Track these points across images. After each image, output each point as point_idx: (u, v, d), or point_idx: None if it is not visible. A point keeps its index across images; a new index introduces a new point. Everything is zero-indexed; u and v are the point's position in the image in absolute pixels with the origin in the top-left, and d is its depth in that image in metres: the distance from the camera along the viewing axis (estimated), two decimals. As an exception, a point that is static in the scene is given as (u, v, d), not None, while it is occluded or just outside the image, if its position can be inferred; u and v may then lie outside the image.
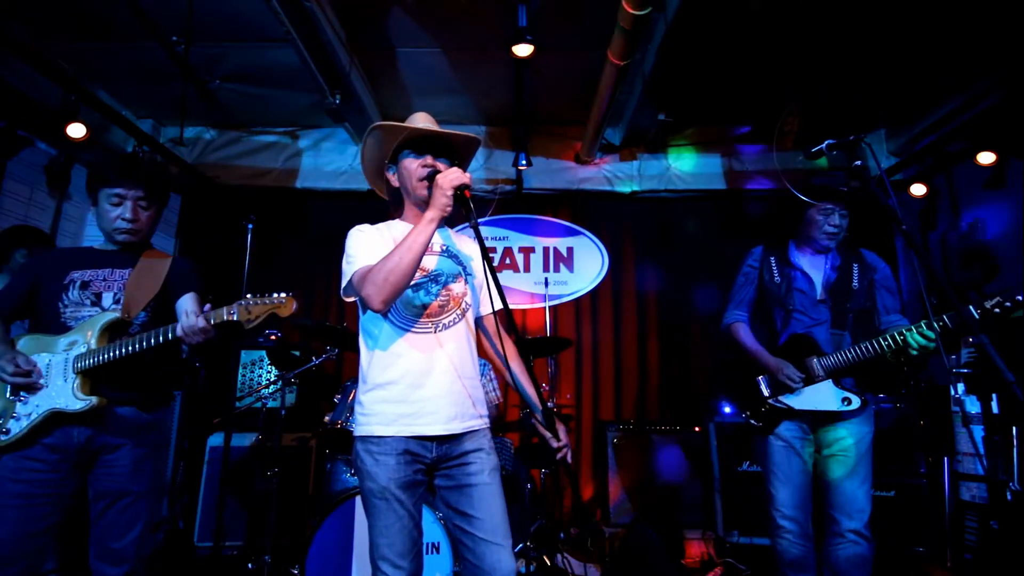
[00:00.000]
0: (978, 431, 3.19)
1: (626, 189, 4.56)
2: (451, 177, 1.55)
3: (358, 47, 3.50)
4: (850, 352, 2.14)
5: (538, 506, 3.30)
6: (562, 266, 4.66)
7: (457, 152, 1.76)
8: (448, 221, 1.68)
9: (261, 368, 3.91)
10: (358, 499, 2.44)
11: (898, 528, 3.37)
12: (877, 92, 3.85)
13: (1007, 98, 3.26)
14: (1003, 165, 3.51)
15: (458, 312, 1.71)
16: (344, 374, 4.39)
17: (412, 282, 1.61)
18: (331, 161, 4.52)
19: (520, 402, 3.58)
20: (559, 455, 1.62)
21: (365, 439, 1.60)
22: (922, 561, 3.32)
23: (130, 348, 1.76)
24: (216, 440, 3.57)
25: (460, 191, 1.56)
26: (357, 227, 1.74)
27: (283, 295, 1.69)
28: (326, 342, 3.09)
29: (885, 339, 2.07)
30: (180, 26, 3.20)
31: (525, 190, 4.55)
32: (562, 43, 3.36)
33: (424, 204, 1.69)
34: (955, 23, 3.10)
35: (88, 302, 1.88)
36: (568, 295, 4.60)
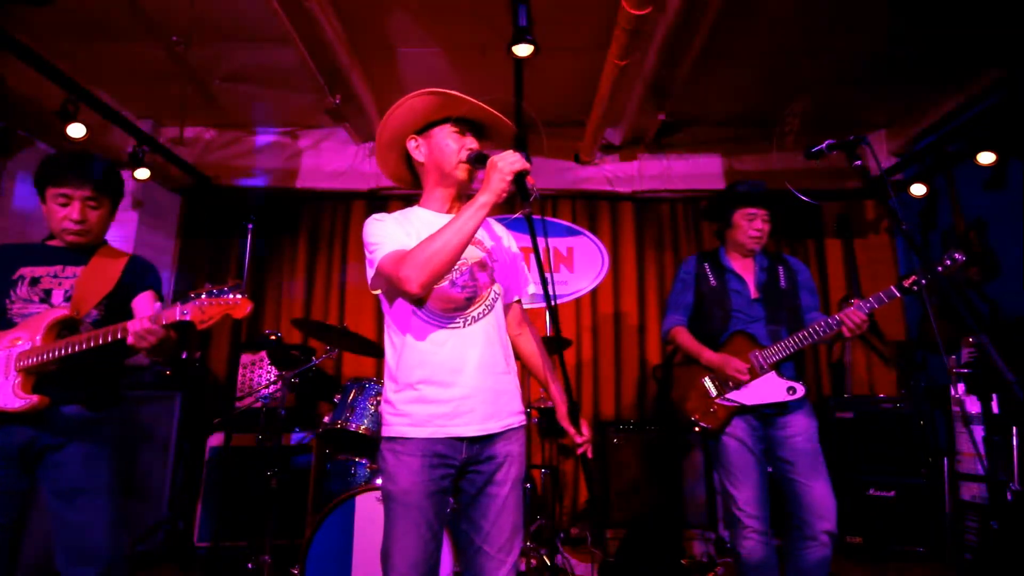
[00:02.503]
0: (978, 431, 3.19)
1: (626, 189, 4.56)
2: (511, 160, 1.42)
3: (358, 47, 3.50)
4: (789, 342, 2.25)
5: (538, 506, 3.30)
6: (562, 266, 4.66)
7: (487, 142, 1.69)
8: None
9: (261, 368, 3.91)
10: (358, 499, 2.44)
11: (898, 528, 3.38)
12: (877, 92, 3.85)
13: (1007, 98, 3.26)
14: (1003, 165, 3.51)
15: (487, 303, 1.60)
16: (344, 374, 4.40)
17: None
18: (331, 161, 4.52)
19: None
20: (580, 450, 1.55)
21: (392, 440, 1.51)
22: (922, 561, 3.32)
23: (77, 347, 1.68)
24: (216, 440, 3.57)
25: (521, 177, 1.44)
26: (373, 216, 1.61)
27: (238, 296, 1.56)
28: (326, 342, 3.09)
29: (819, 324, 2.21)
30: (180, 26, 3.20)
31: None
32: (562, 43, 3.36)
33: (456, 186, 1.64)
34: (955, 23, 3.10)
35: (37, 299, 1.80)
36: (568, 295, 4.60)
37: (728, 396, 2.29)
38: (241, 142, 4.49)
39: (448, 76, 3.78)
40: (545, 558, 3.05)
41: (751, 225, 2.41)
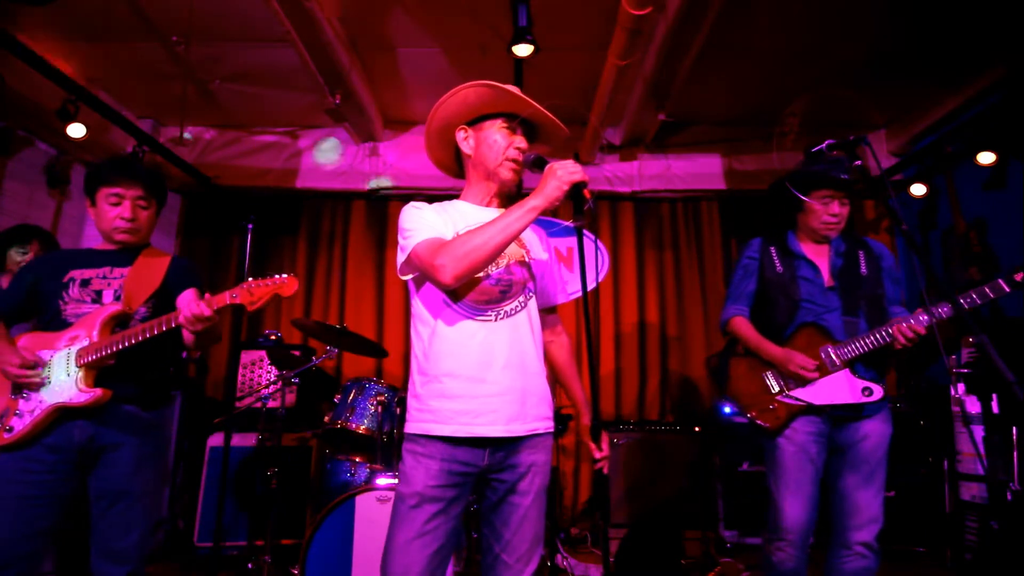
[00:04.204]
0: (978, 431, 3.20)
1: (626, 189, 4.56)
2: (571, 170, 1.42)
3: (358, 47, 3.50)
4: (870, 338, 1.97)
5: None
6: (562, 266, 4.66)
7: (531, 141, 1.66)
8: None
9: (261, 368, 3.91)
10: (358, 499, 2.44)
11: (898, 528, 3.38)
12: (877, 92, 3.85)
13: (1007, 98, 3.26)
14: (1003, 165, 3.51)
15: (521, 299, 1.56)
16: (344, 374, 4.40)
17: None
18: (331, 161, 4.52)
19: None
20: (597, 465, 1.50)
21: (414, 438, 1.47)
22: (922, 561, 3.32)
23: (133, 340, 1.75)
24: (216, 440, 3.57)
25: (579, 189, 1.42)
26: (411, 204, 1.58)
27: (284, 276, 1.68)
28: (326, 342, 3.09)
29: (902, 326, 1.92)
30: (180, 26, 3.20)
31: (525, 190, 4.53)
32: (562, 43, 3.36)
33: (499, 184, 1.62)
34: (955, 22, 3.10)
35: (88, 299, 1.88)
36: (568, 295, 4.60)
37: (792, 393, 2.03)
38: (241, 142, 4.49)
39: (448, 76, 3.78)
40: (545, 558, 3.05)
41: (826, 209, 2.10)
